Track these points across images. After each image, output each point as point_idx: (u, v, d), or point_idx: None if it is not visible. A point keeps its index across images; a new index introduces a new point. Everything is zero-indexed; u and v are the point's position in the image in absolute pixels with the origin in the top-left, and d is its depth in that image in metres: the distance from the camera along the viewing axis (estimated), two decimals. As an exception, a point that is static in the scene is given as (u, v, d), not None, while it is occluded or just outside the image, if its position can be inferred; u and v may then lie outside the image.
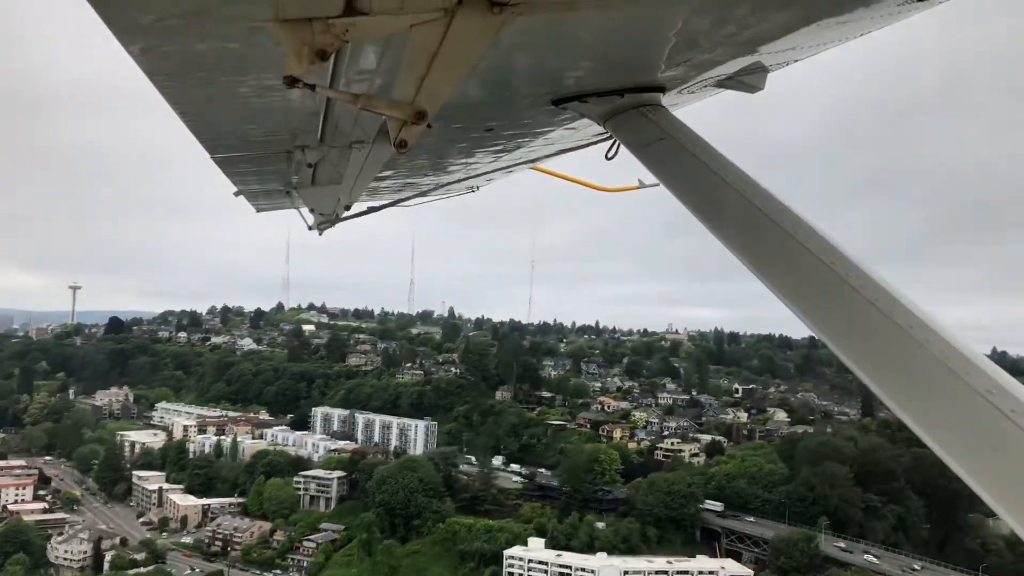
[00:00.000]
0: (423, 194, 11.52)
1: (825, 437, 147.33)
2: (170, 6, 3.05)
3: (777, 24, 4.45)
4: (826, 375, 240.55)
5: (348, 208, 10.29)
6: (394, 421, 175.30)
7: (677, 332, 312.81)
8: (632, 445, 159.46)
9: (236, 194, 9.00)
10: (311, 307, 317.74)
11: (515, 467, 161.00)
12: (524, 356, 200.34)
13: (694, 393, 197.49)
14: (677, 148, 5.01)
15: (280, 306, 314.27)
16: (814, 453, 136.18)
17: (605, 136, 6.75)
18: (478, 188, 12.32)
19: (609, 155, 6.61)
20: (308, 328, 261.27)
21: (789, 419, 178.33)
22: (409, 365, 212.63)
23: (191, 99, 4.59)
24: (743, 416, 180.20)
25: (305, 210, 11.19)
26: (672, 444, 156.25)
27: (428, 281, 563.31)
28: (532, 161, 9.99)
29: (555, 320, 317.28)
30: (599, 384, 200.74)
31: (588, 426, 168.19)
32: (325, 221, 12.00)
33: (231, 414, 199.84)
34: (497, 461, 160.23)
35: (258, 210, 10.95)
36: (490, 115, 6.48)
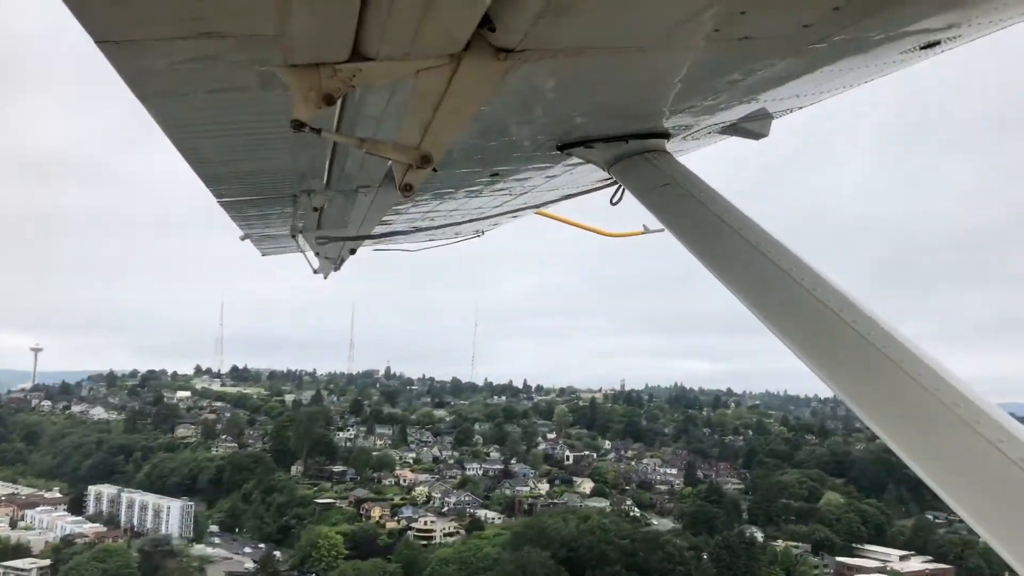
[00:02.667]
0: (430, 238, 11.61)
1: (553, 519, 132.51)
2: (180, 53, 3.01)
3: (779, 72, 4.50)
4: (702, 437, 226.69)
5: (353, 252, 11.06)
6: (151, 501, 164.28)
7: (600, 390, 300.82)
8: (391, 524, 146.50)
9: (243, 238, 9.14)
10: (207, 372, 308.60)
11: (247, 549, 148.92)
12: (319, 428, 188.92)
13: (513, 461, 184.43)
14: (681, 194, 5.09)
15: (167, 372, 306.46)
16: (533, 535, 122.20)
17: (610, 181, 6.81)
18: (484, 232, 12.49)
19: (614, 200, 6.78)
20: (184, 395, 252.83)
21: (589, 492, 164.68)
22: (225, 437, 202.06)
23: (200, 145, 4.64)
24: (544, 488, 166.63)
25: (311, 254, 11.09)
26: (426, 523, 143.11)
27: (382, 339, 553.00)
28: (538, 206, 10.08)
29: (485, 380, 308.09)
30: (413, 455, 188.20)
31: (351, 504, 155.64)
32: (330, 265, 12.20)
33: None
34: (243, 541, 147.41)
35: (264, 254, 11.09)
36: (496, 160, 6.43)
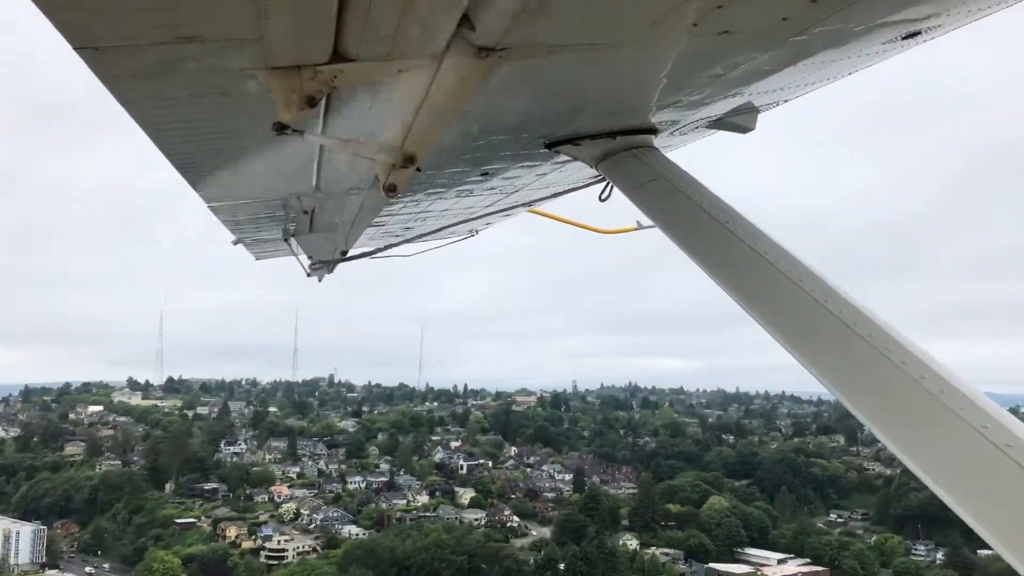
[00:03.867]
0: (423, 239, 11.79)
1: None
2: (160, 57, 3.02)
3: (762, 65, 4.55)
4: (615, 440, 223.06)
5: (345, 254, 10.85)
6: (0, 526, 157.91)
7: (539, 393, 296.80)
8: (248, 543, 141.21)
9: (235, 243, 9.08)
10: (145, 384, 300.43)
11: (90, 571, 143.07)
12: (191, 443, 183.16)
13: (402, 473, 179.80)
14: (669, 189, 5.09)
15: (86, 385, 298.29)
16: (360, 555, 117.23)
17: (600, 178, 6.77)
18: (478, 232, 12.55)
19: (602, 197, 6.67)
20: (95, 409, 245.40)
21: (467, 503, 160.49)
22: (109, 455, 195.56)
23: (186, 150, 4.64)
24: (424, 499, 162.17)
25: (303, 257, 11.22)
26: (280, 543, 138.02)
27: (333, 346, 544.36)
28: (529, 204, 10.12)
29: (426, 384, 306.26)
30: (297, 469, 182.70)
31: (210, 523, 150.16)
32: (323, 267, 12.25)
33: None
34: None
35: (257, 258, 11.18)
36: (485, 159, 6.42)
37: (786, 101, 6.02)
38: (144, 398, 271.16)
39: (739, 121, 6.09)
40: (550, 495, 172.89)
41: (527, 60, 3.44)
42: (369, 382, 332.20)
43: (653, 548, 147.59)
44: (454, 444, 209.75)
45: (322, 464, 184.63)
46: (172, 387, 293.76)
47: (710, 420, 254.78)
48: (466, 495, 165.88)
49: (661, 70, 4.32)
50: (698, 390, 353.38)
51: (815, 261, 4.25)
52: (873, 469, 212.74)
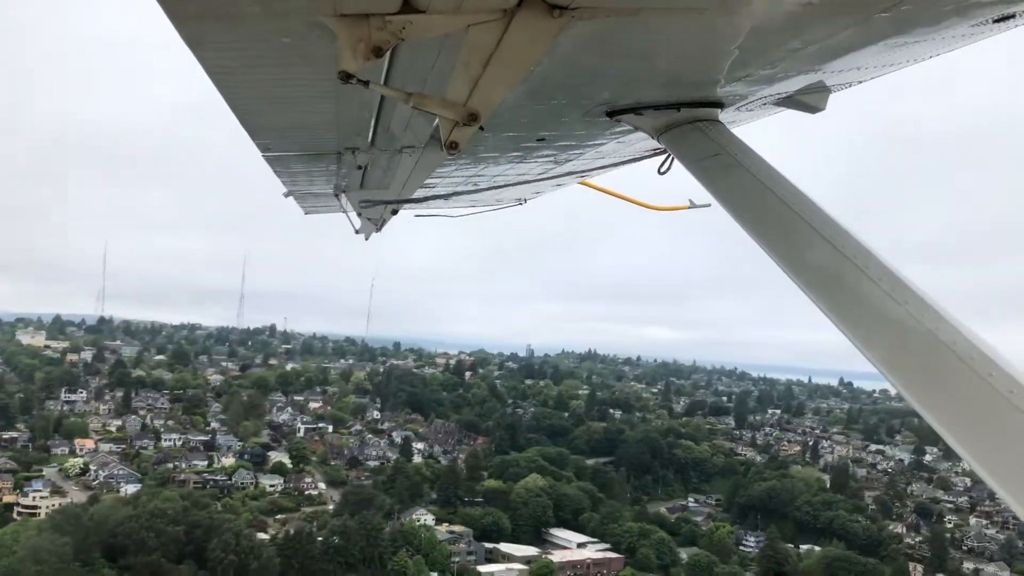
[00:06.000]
0: (472, 204, 11.70)
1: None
2: (229, 1, 3.08)
3: (842, 42, 4.37)
4: (491, 411, 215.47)
5: (395, 213, 10.98)
6: None
7: (457, 355, 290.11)
8: (9, 498, 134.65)
9: (286, 195, 9.14)
10: (56, 320, 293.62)
11: None
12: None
13: (225, 433, 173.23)
14: (733, 165, 4.97)
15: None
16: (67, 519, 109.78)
17: (658, 151, 6.80)
18: (526, 201, 12.29)
19: (662, 170, 6.66)
20: None
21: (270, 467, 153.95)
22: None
23: (246, 95, 4.64)
24: (230, 462, 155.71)
25: (353, 214, 11.33)
26: (35, 498, 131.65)
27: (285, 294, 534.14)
28: (582, 173, 9.83)
29: (362, 340, 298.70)
30: (119, 423, 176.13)
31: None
32: (372, 226, 12.55)
33: None
34: None
35: (306, 212, 11.17)
36: (543, 124, 6.30)
37: (860, 82, 5.69)
38: (50, 337, 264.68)
39: (809, 100, 5.78)
40: (374, 463, 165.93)
41: (599, 21, 3.39)
42: (314, 333, 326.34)
43: (446, 524, 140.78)
44: (314, 405, 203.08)
45: (148, 419, 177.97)
46: (94, 328, 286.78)
47: (615, 393, 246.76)
48: (279, 459, 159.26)
49: (736, 40, 4.14)
50: (651, 360, 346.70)
51: (885, 251, 4.03)
52: (744, 454, 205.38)
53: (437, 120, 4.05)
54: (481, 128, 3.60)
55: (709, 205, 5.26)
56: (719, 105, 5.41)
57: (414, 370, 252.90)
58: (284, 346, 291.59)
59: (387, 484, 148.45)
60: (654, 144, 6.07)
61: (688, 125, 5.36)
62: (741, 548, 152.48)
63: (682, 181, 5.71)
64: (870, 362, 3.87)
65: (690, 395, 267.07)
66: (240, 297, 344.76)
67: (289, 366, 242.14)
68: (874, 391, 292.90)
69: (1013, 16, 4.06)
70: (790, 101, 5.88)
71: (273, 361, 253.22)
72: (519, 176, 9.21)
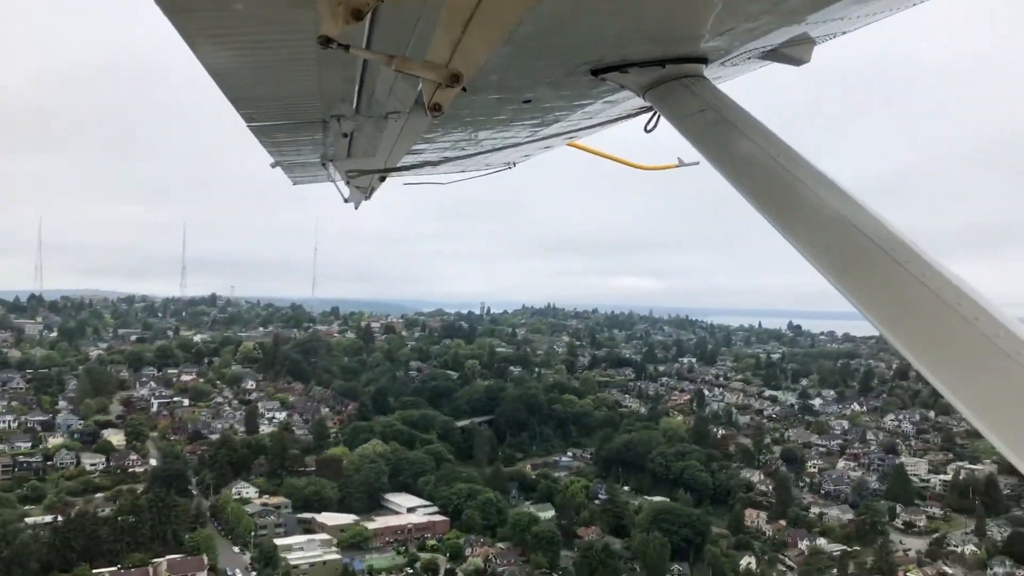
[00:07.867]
0: (460, 170, 11.69)
1: None
2: None
3: None
4: (383, 373, 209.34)
5: (383, 180, 10.81)
6: None
7: (389, 318, 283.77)
8: None
9: (273, 165, 9.02)
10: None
11: None
12: None
13: (67, 412, 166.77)
14: (719, 120, 4.97)
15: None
16: None
17: (644, 108, 6.81)
18: (515, 164, 12.32)
19: (648, 127, 6.72)
20: None
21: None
22: None
23: (227, 63, 4.58)
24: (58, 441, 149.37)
25: (341, 183, 11.21)
26: None
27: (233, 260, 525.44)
28: (569, 135, 9.87)
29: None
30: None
31: None
32: (361, 195, 12.31)
33: None
34: None
35: (295, 183, 11.03)
36: (528, 85, 6.36)
37: (844, 33, 5.75)
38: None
39: (793, 53, 5.82)
40: (213, 437, 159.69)
41: None
42: (259, 300, 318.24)
43: (266, 496, 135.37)
44: (187, 378, 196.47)
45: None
46: (16, 305, 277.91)
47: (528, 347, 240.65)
48: (114, 437, 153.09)
49: None
50: (599, 309, 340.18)
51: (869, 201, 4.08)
52: (629, 407, 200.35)
53: (421, 84, 4.03)
54: (464, 89, 3.53)
55: (698, 163, 5.35)
56: (704, 60, 5.37)
57: (324, 336, 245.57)
58: (220, 315, 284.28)
59: (211, 459, 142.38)
60: (640, 102, 6.06)
61: (674, 81, 5.36)
62: (595, 503, 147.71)
63: (669, 138, 5.68)
64: (855, 308, 3.82)
65: (614, 346, 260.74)
66: (182, 267, 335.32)
67: (197, 337, 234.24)
68: (820, 334, 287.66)
69: None
70: (775, 54, 5.83)
71: (189, 332, 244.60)
72: (507, 140, 9.08)
